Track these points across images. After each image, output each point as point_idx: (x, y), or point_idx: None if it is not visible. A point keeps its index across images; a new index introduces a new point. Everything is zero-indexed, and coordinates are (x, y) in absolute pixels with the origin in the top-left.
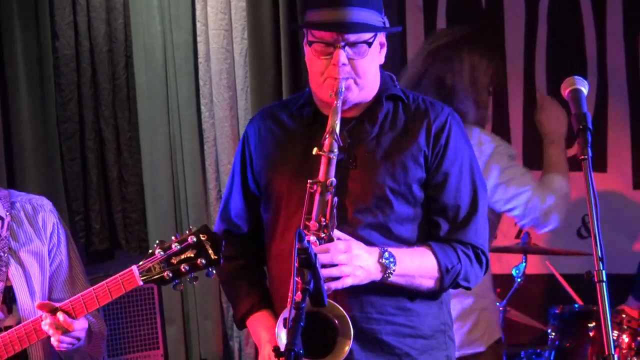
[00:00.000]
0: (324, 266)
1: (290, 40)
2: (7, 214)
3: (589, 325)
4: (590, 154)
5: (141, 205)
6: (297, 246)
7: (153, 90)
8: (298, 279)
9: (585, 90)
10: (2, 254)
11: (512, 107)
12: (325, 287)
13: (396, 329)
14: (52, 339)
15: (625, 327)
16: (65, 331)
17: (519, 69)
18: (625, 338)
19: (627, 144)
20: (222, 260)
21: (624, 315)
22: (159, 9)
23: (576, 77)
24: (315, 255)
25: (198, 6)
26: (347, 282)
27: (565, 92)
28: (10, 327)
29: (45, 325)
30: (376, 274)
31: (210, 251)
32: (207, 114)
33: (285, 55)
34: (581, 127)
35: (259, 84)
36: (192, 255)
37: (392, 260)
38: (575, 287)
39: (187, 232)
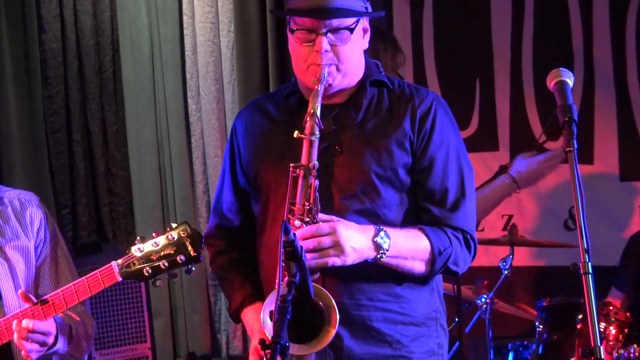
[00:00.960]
0: (308, 250)
1: (277, 33)
2: None
3: (576, 317)
4: (576, 146)
5: (128, 199)
6: (282, 239)
7: (140, 84)
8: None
9: (570, 82)
10: None
11: (499, 100)
12: (313, 265)
13: (387, 316)
14: (19, 349)
15: (613, 319)
16: (30, 333)
17: (506, 62)
18: (613, 330)
19: (614, 136)
20: (201, 257)
21: (611, 307)
22: (146, 2)
23: (562, 68)
24: (302, 247)
25: None
26: (336, 262)
27: (550, 84)
28: None
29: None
30: (369, 253)
31: (190, 248)
32: (194, 107)
33: (271, 47)
34: (567, 118)
35: (246, 76)
36: (172, 252)
37: (386, 239)
38: (561, 279)
39: (168, 228)
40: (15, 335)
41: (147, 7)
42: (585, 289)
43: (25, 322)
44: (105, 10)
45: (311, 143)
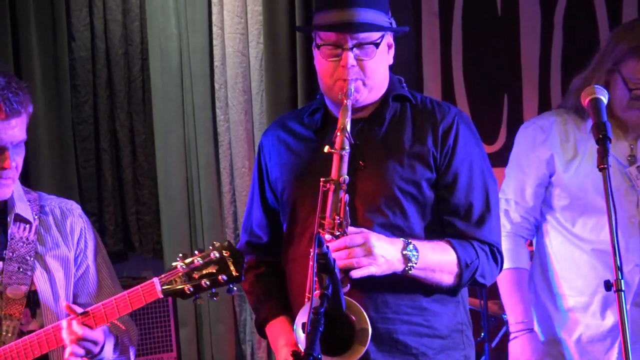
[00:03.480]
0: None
1: (306, 45)
2: (36, 217)
3: None
4: (610, 164)
5: (155, 208)
6: (315, 251)
7: (168, 93)
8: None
9: (605, 99)
10: (29, 258)
11: (527, 115)
12: (351, 275)
13: (412, 329)
14: (67, 349)
15: None
16: (80, 340)
17: (534, 75)
18: None
19: None
20: (243, 277)
21: None
22: (175, 11)
23: (596, 86)
24: (334, 260)
25: (214, 10)
26: (371, 270)
27: (585, 100)
28: (33, 331)
29: (64, 331)
30: (398, 265)
31: (232, 268)
32: (222, 117)
33: (300, 59)
34: (601, 136)
35: (274, 88)
36: (214, 271)
37: (415, 252)
38: None
39: (210, 247)
40: (66, 336)
41: (176, 18)
42: (618, 306)
43: (76, 328)
44: (135, 20)
45: (341, 157)
